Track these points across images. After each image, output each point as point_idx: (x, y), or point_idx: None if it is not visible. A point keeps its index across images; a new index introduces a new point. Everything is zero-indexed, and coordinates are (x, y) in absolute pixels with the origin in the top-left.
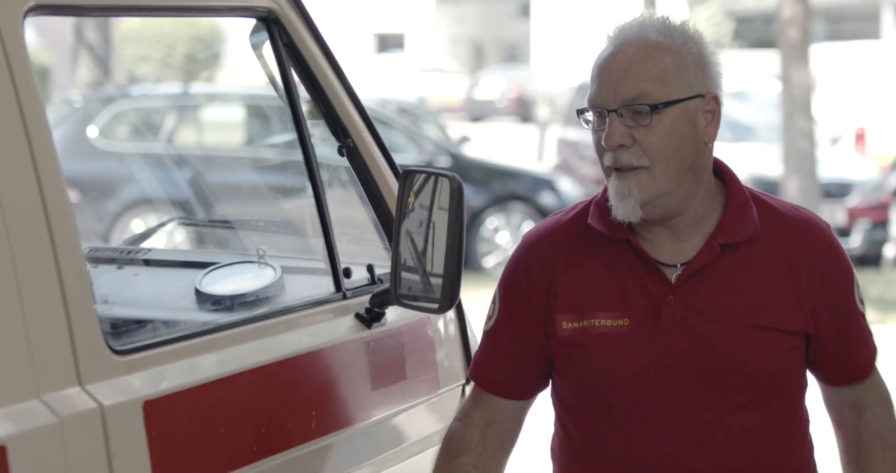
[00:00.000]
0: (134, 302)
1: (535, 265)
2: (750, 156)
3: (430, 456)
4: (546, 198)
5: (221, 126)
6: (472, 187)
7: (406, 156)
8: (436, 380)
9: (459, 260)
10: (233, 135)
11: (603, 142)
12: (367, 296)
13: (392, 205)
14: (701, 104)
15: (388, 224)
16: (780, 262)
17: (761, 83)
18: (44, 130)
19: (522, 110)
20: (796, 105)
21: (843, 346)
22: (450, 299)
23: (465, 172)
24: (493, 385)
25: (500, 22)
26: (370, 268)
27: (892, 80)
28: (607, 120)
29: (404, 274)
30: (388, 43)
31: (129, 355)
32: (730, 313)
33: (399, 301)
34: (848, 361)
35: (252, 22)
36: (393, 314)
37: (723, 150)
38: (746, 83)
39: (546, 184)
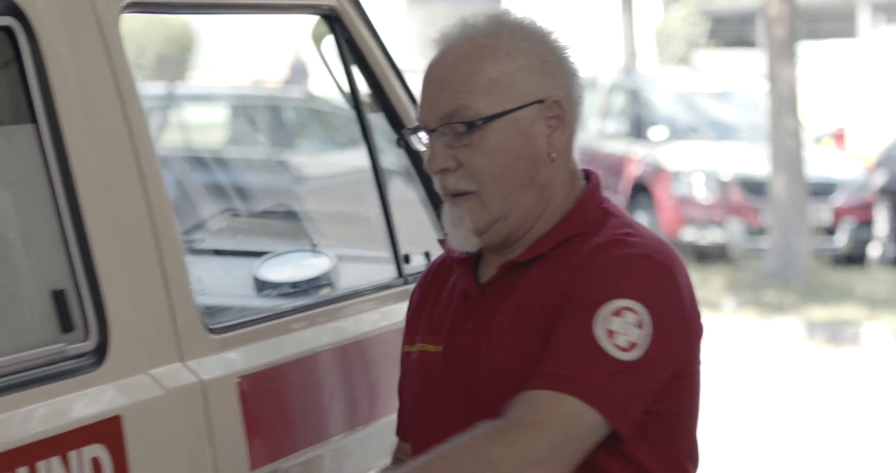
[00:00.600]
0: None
1: (413, 291)
2: (734, 155)
3: None
4: None
5: (207, 127)
6: None
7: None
8: None
9: None
10: (217, 135)
11: (426, 167)
12: None
13: None
14: (540, 111)
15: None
16: (547, 288)
17: (744, 82)
18: (142, 120)
19: None
20: (783, 104)
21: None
22: None
23: None
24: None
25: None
26: (427, 255)
27: (870, 79)
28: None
29: None
30: None
31: (222, 334)
32: (495, 344)
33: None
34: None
35: (315, 19)
36: None
37: (707, 150)
38: (729, 82)
39: None
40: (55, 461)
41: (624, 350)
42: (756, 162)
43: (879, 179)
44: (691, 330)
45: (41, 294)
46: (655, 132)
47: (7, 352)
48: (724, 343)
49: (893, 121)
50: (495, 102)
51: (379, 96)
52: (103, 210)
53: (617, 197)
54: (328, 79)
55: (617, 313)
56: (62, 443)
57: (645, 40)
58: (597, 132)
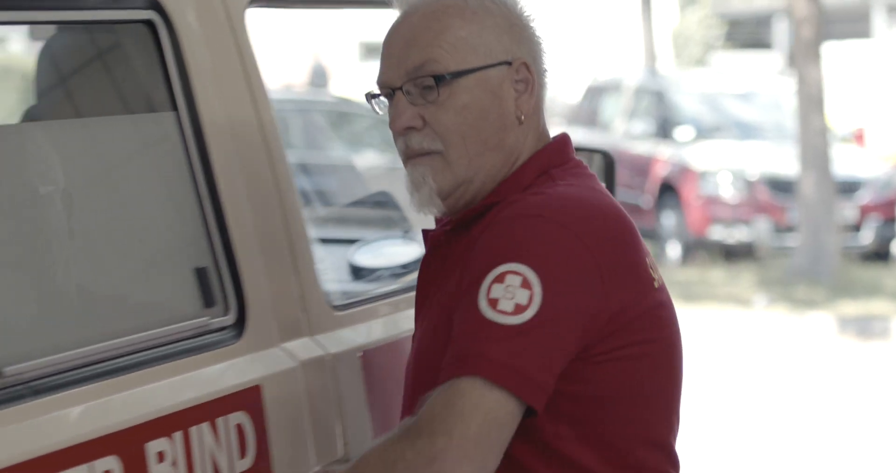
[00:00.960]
0: None
1: None
2: (760, 154)
3: None
4: None
5: None
6: None
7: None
8: None
9: None
10: None
11: (390, 126)
12: None
13: None
14: (507, 73)
15: None
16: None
17: (767, 83)
18: (270, 113)
19: None
20: (811, 103)
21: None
22: None
23: None
24: None
25: None
26: None
27: (887, 79)
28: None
29: None
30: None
31: (344, 310)
32: (431, 316)
33: None
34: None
35: None
36: None
37: (733, 149)
38: (752, 83)
39: None
40: (205, 427)
41: (510, 313)
42: (781, 161)
43: None
44: (610, 282)
45: (185, 271)
46: (681, 132)
47: (157, 325)
48: (756, 338)
49: None
50: (464, 59)
51: None
52: (239, 193)
53: (644, 196)
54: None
55: (499, 279)
56: (211, 410)
57: (662, 42)
58: (623, 133)
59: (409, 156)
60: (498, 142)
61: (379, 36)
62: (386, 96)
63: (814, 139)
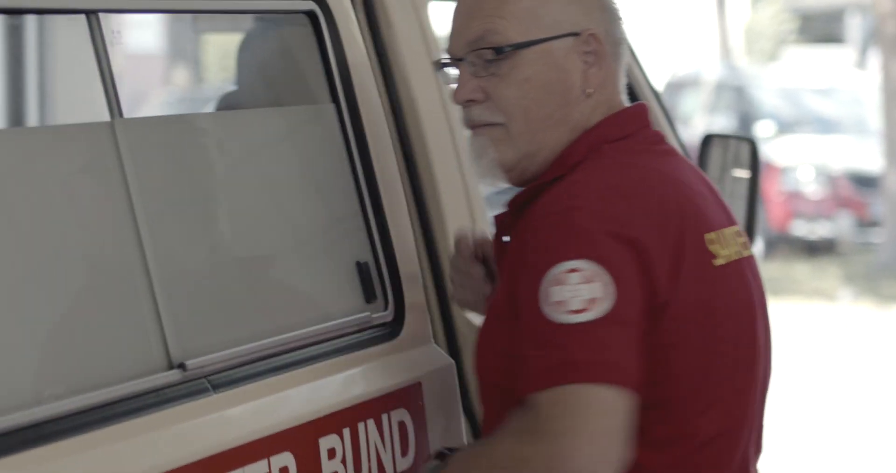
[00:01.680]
0: None
1: None
2: (841, 149)
3: None
4: None
5: None
6: None
7: None
8: None
9: (755, 207)
10: None
11: (452, 97)
12: None
13: None
14: (574, 44)
15: None
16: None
17: (846, 78)
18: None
19: None
20: (895, 98)
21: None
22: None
23: None
24: None
25: None
26: None
27: None
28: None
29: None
30: None
31: None
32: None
33: None
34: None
35: None
36: None
37: (814, 144)
38: (832, 78)
39: None
40: (370, 423)
41: (581, 311)
42: (863, 156)
43: None
44: (652, 253)
45: (348, 266)
46: (762, 127)
47: (322, 320)
48: (842, 332)
49: None
50: (527, 30)
51: None
52: (397, 188)
53: None
54: None
55: (558, 281)
56: (377, 407)
57: (734, 37)
58: (703, 128)
59: (470, 127)
60: (562, 117)
61: None
62: (452, 66)
63: None
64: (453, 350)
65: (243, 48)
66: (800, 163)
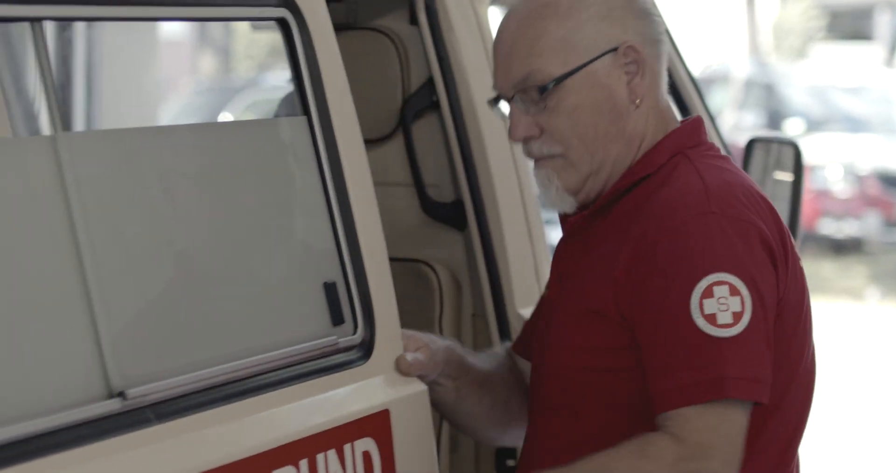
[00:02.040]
0: None
1: None
2: (870, 148)
3: None
4: None
5: None
6: None
7: None
8: None
9: (798, 209)
10: None
11: (508, 135)
12: None
13: None
14: (614, 60)
15: None
16: (614, 237)
17: (876, 77)
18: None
19: None
20: None
21: (646, 361)
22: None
23: None
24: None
25: None
26: None
27: None
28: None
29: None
30: None
31: None
32: (567, 295)
33: None
34: (648, 380)
35: None
36: None
37: (843, 143)
38: (862, 77)
39: None
40: (331, 454)
41: (731, 325)
42: (891, 155)
43: None
44: (780, 276)
45: (313, 286)
46: (791, 125)
47: (282, 345)
48: (870, 332)
49: None
50: (565, 61)
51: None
52: (370, 205)
53: None
54: None
55: (708, 294)
56: (338, 436)
57: (763, 34)
58: (732, 125)
59: (533, 160)
60: (617, 132)
61: None
62: (503, 102)
63: None
64: None
65: None
66: (828, 161)
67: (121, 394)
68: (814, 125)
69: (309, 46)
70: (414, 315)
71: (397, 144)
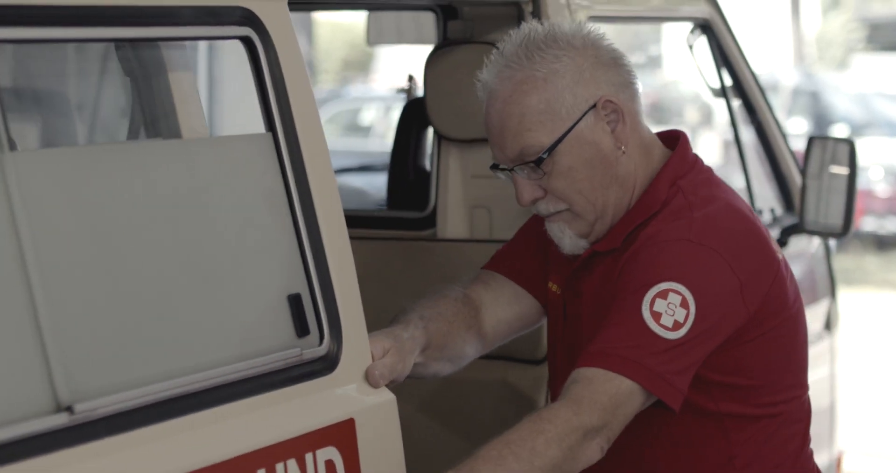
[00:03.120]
0: None
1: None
2: None
3: None
4: None
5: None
6: None
7: None
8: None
9: (853, 200)
10: None
11: (517, 200)
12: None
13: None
14: (596, 115)
15: (783, 178)
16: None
17: None
18: None
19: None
20: None
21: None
22: (846, 227)
23: None
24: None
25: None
26: (772, 210)
27: None
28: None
29: (808, 212)
30: None
31: None
32: (592, 315)
33: (808, 230)
34: (587, 343)
35: (690, 26)
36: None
37: (885, 146)
38: None
39: None
40: (291, 463)
41: (670, 329)
42: None
43: None
44: (749, 295)
45: (278, 298)
46: (837, 130)
47: (247, 356)
48: None
49: None
50: (552, 130)
51: (739, 91)
52: (337, 217)
53: None
54: (697, 74)
55: (662, 295)
56: (299, 446)
57: (807, 45)
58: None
59: (544, 217)
60: (612, 179)
61: None
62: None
63: None
64: None
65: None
66: (870, 163)
67: (68, 408)
68: (857, 130)
69: (275, 64)
70: None
71: None
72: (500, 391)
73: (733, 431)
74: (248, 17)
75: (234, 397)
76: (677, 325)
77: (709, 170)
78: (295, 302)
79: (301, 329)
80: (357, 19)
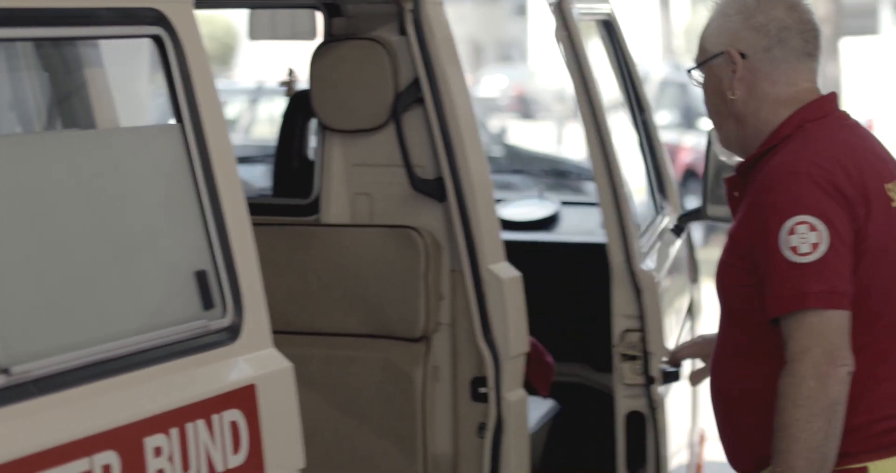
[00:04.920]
0: None
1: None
2: None
3: None
4: (589, 185)
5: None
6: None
7: None
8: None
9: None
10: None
11: None
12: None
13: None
14: (725, 59)
15: (660, 168)
16: (751, 197)
17: None
18: None
19: (523, 107)
20: None
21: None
22: None
23: (519, 161)
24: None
25: (497, 21)
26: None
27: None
28: None
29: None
30: None
31: None
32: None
33: (708, 216)
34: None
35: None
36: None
37: None
38: None
39: (589, 171)
40: (201, 423)
41: (809, 254)
42: None
43: None
44: (854, 202)
45: (186, 275)
46: (705, 122)
47: (158, 327)
48: None
49: None
50: (700, 54)
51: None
52: (239, 200)
53: None
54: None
55: (791, 231)
56: (207, 408)
57: (676, 37)
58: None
59: None
60: (728, 112)
61: None
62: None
63: None
64: None
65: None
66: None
67: (5, 371)
68: None
69: (182, 61)
70: (404, 271)
71: (390, 132)
72: (380, 367)
73: None
74: (158, 18)
75: (148, 363)
76: (815, 247)
77: (849, 125)
78: (201, 277)
79: (207, 302)
80: (217, 11)
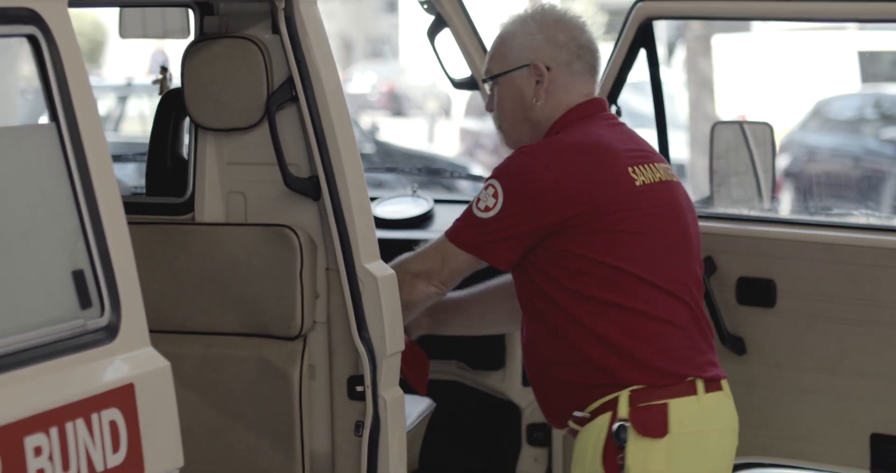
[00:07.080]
0: None
1: None
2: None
3: None
4: (462, 183)
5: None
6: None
7: None
8: None
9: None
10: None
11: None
12: None
13: None
14: (528, 71)
15: None
16: None
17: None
18: None
19: (394, 104)
20: (703, 91)
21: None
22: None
23: (391, 158)
24: None
25: (367, 18)
26: None
27: (765, 70)
28: None
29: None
30: None
31: None
32: None
33: None
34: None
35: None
36: None
37: (644, 135)
38: (642, 75)
39: (462, 169)
40: (80, 423)
41: (481, 210)
42: (675, 145)
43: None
44: (563, 200)
45: (63, 274)
46: None
47: (35, 327)
48: None
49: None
50: (500, 66)
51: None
52: (115, 200)
53: None
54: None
55: (485, 187)
56: (85, 407)
57: None
58: None
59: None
60: (524, 117)
61: None
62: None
63: (704, 125)
64: None
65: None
66: None
67: None
68: None
69: (57, 60)
70: (280, 269)
71: (263, 131)
72: (256, 366)
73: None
74: (32, 17)
75: (26, 363)
76: (486, 209)
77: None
78: (78, 277)
79: (84, 301)
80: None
